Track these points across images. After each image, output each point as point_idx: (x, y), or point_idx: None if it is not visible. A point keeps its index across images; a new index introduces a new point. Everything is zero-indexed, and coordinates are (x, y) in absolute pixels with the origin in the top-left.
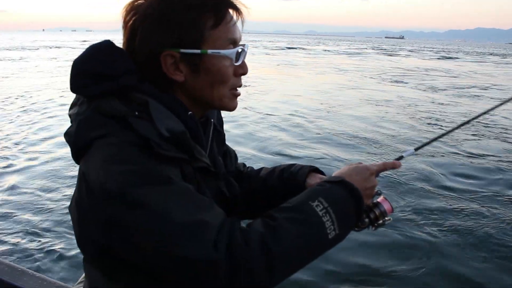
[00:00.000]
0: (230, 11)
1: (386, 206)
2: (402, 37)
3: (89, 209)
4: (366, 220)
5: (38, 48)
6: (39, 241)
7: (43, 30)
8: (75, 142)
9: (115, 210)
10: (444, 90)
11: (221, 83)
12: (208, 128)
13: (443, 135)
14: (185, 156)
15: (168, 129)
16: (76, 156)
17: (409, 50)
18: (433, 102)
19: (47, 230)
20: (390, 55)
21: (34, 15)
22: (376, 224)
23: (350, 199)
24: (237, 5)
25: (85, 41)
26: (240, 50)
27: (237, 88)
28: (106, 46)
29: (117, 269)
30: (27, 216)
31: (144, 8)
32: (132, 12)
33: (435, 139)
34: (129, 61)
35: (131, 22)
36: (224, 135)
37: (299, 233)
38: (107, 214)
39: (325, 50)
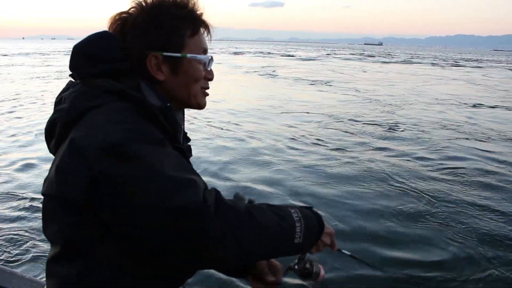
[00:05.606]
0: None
1: (322, 272)
2: (381, 44)
3: (74, 170)
4: (308, 266)
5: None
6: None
7: (23, 38)
8: (68, 111)
9: (109, 164)
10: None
11: (195, 83)
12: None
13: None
14: (171, 128)
15: (157, 103)
16: (65, 128)
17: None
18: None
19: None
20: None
21: (14, 23)
22: (304, 276)
23: (316, 222)
24: (207, 22)
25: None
26: (210, 58)
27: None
28: (105, 33)
29: (92, 239)
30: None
31: (134, 17)
32: (119, 22)
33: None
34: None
35: (118, 28)
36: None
37: (276, 222)
38: (97, 169)
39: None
